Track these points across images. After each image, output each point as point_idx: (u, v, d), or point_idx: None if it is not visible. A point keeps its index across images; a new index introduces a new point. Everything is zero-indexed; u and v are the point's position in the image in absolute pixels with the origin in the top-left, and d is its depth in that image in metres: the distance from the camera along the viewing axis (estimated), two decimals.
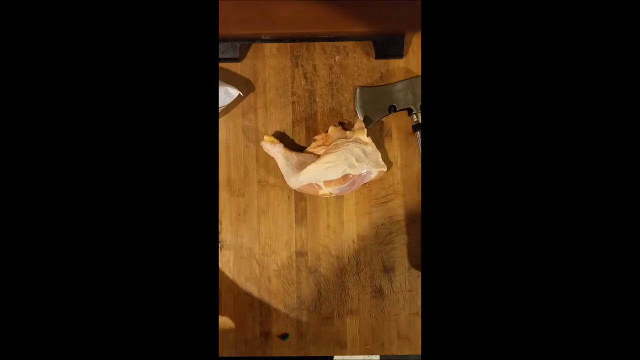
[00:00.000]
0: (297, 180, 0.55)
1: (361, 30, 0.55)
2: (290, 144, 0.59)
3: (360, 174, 0.55)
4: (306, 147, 0.59)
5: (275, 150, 0.56)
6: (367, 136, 0.56)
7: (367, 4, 0.47)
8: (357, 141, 0.55)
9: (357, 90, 0.56)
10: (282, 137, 0.59)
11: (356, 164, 0.54)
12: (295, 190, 0.58)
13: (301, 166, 0.55)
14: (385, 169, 0.56)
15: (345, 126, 0.59)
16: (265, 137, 0.57)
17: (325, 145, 0.56)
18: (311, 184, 0.55)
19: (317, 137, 0.58)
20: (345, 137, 0.56)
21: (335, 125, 0.57)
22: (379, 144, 0.59)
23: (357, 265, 0.59)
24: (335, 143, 0.56)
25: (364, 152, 0.55)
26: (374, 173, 0.55)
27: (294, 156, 0.56)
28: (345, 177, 0.54)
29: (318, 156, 0.56)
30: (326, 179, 0.54)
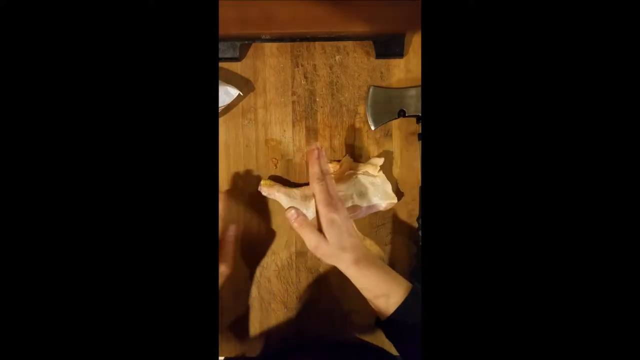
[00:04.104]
0: (306, 214, 0.52)
1: (361, 30, 0.55)
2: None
3: (368, 206, 0.54)
4: (308, 182, 0.58)
5: (274, 191, 0.55)
6: (379, 171, 0.56)
7: (367, 4, 0.47)
8: (366, 174, 0.55)
9: (370, 89, 0.56)
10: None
11: (364, 196, 0.54)
12: None
13: (306, 199, 0.54)
14: (395, 201, 0.56)
15: (356, 158, 0.59)
16: (262, 182, 0.56)
17: (334, 175, 0.56)
18: None
19: (328, 166, 0.57)
20: (354, 170, 0.56)
21: (348, 156, 0.57)
22: (379, 143, 0.59)
23: None
24: (346, 174, 0.56)
25: (372, 184, 0.55)
26: (383, 204, 0.55)
27: (296, 192, 0.56)
28: (354, 207, 0.53)
29: None
30: None
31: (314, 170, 0.48)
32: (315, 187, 0.48)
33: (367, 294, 0.48)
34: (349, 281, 0.49)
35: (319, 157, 0.49)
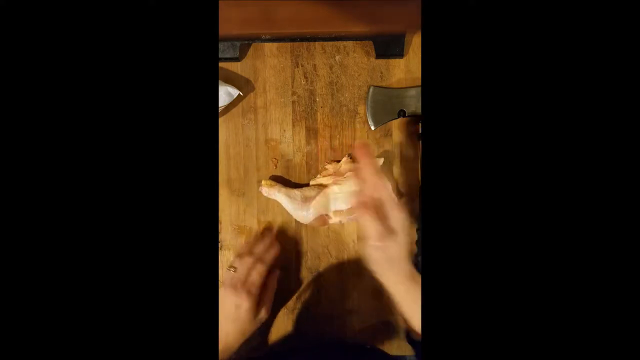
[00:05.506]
0: (307, 214, 0.55)
1: (361, 30, 0.55)
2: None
3: None
4: (308, 183, 0.59)
5: (275, 191, 0.56)
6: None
7: (367, 4, 0.47)
8: None
9: (370, 90, 0.57)
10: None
11: None
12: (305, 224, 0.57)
13: (307, 200, 0.55)
14: (395, 200, 0.56)
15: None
16: (262, 182, 0.56)
17: (334, 176, 0.56)
18: (321, 215, 0.55)
19: (328, 167, 0.57)
20: (354, 170, 0.56)
21: (348, 157, 0.57)
22: (379, 143, 0.59)
23: (357, 265, 0.59)
24: (345, 176, 0.56)
25: None
26: None
27: (297, 192, 0.56)
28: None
29: (324, 187, 0.56)
30: (335, 209, 0.54)
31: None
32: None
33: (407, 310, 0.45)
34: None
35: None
